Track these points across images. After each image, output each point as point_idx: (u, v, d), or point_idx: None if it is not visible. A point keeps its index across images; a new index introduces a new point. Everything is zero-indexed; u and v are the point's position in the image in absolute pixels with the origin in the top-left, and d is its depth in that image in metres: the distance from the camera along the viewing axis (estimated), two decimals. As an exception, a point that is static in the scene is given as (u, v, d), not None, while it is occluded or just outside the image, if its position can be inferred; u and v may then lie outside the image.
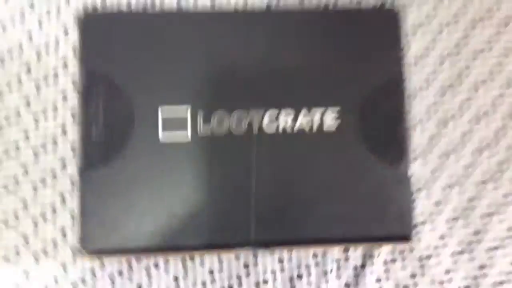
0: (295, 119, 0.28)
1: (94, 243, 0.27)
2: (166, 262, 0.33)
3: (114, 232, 0.27)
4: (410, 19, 0.36)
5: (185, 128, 0.28)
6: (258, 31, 0.29)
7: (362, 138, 0.28)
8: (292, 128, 0.28)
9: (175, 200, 0.27)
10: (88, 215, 0.27)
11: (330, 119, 0.28)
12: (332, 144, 0.28)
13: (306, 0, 0.35)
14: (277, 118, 0.28)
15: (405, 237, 0.28)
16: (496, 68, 0.37)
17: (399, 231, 0.28)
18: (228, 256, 0.34)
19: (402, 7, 0.35)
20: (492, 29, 0.37)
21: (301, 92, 0.28)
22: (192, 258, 0.33)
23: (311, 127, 0.28)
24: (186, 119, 0.28)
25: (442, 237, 0.35)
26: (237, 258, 0.34)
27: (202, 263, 0.34)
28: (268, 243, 0.28)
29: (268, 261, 0.34)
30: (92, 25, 0.28)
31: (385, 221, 0.28)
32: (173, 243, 0.27)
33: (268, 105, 0.28)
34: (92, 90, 0.27)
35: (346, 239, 0.29)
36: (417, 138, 0.36)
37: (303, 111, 0.28)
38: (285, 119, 0.28)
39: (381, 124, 0.28)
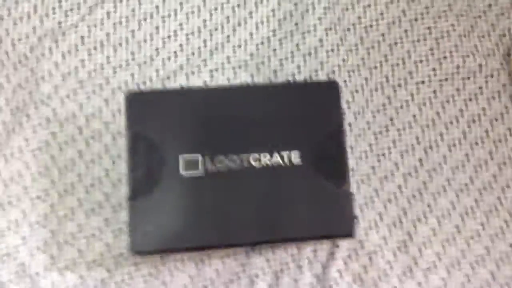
0: (270, 158, 0.42)
1: (139, 247, 0.39)
2: (183, 265, 0.46)
3: (153, 239, 0.39)
4: (348, 88, 0.50)
5: (198, 168, 0.41)
6: (242, 101, 0.43)
7: (317, 169, 0.42)
8: (270, 163, 0.42)
9: (193, 214, 0.40)
10: (134, 228, 0.40)
11: (294, 158, 0.42)
12: (297, 174, 0.41)
13: (278, 75, 0.50)
14: (258, 159, 0.42)
15: (349, 234, 0.41)
16: (413, 118, 0.50)
17: (346, 230, 0.41)
18: (228, 259, 0.46)
19: (342, 80, 0.50)
20: (409, 90, 0.51)
21: (273, 141, 0.42)
22: (207, 255, 0.45)
23: (283, 162, 0.42)
24: (198, 162, 0.41)
25: (384, 238, 0.48)
26: (235, 259, 0.46)
27: (209, 264, 0.46)
28: (258, 242, 0.41)
29: (258, 260, 0.46)
30: (134, 100, 0.42)
31: (335, 224, 0.41)
32: (193, 245, 0.40)
33: (251, 151, 0.42)
34: (135, 145, 0.41)
35: (311, 237, 0.42)
36: (363, 167, 0.49)
37: (275, 154, 0.42)
38: (264, 159, 0.42)
39: (330, 159, 0.42)
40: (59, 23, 0.50)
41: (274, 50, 0.51)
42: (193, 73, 0.50)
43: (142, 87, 0.49)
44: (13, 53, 0.49)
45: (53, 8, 0.50)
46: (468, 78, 0.51)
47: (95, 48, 0.50)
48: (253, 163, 0.42)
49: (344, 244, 0.47)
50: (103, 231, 0.46)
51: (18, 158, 0.47)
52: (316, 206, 0.41)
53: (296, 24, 0.51)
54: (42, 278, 0.44)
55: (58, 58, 0.49)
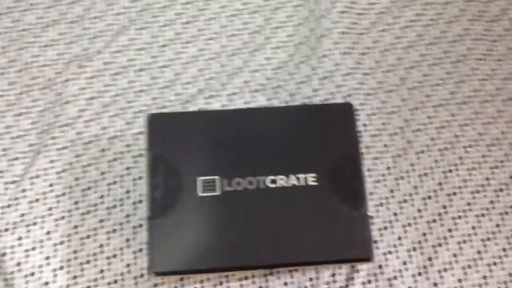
0: (287, 180, 0.42)
1: (159, 267, 0.40)
2: (202, 287, 0.46)
3: (172, 259, 0.40)
4: (365, 111, 0.51)
5: (215, 189, 0.42)
6: (259, 124, 0.43)
7: (334, 191, 0.42)
8: (286, 183, 0.42)
9: (211, 235, 0.41)
10: (154, 248, 0.40)
11: (310, 180, 0.42)
12: (313, 195, 0.42)
13: (295, 98, 0.51)
14: (275, 181, 0.42)
15: (368, 259, 0.41)
16: (432, 141, 0.50)
17: (364, 254, 0.41)
18: (246, 281, 0.46)
19: (359, 103, 0.50)
20: (426, 113, 0.51)
21: (290, 163, 0.42)
22: (226, 277, 0.45)
23: (299, 184, 0.42)
24: (215, 183, 0.42)
25: (404, 263, 0.47)
26: (253, 282, 0.46)
27: (228, 287, 0.46)
28: (274, 265, 0.41)
29: (276, 284, 0.46)
30: (155, 122, 0.43)
31: (353, 247, 0.41)
32: (210, 266, 0.40)
33: (268, 173, 0.42)
34: (155, 166, 0.42)
35: (329, 261, 0.42)
36: (381, 190, 0.49)
37: (291, 176, 0.42)
38: (281, 181, 0.42)
39: (346, 181, 0.42)
40: (85, 49, 0.52)
41: (291, 74, 0.52)
42: (212, 97, 0.51)
43: (163, 110, 0.51)
44: (40, 78, 0.51)
45: (79, 35, 0.52)
46: (486, 101, 0.51)
47: (118, 73, 0.52)
48: (269, 185, 0.42)
49: (364, 269, 0.47)
50: (124, 251, 0.47)
51: (43, 179, 0.48)
52: (333, 229, 0.41)
53: (313, 48, 0.52)
54: (63, 298, 0.45)
55: (83, 83, 0.51)
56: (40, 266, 0.46)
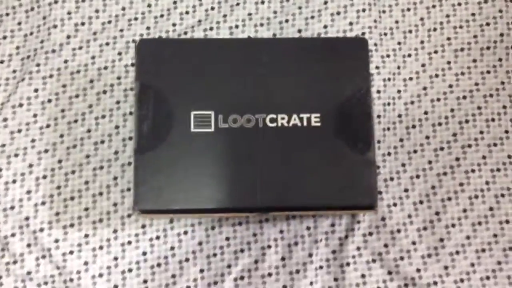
0: (288, 120, 0.38)
1: (144, 205, 0.37)
2: (193, 230, 0.43)
3: (158, 197, 0.37)
4: (379, 52, 0.46)
5: (210, 125, 0.38)
6: (264, 56, 0.39)
7: (338, 133, 0.38)
8: (288, 123, 0.38)
9: (202, 174, 0.37)
10: (139, 185, 0.37)
11: (314, 120, 0.38)
12: (316, 137, 0.38)
13: (303, 35, 0.46)
14: (275, 120, 0.39)
15: (371, 207, 0.38)
16: (449, 88, 0.46)
17: (367, 202, 0.38)
18: (240, 227, 0.43)
19: (373, 43, 0.46)
20: (446, 58, 0.47)
21: (293, 102, 0.38)
22: (218, 221, 0.43)
23: (301, 124, 0.38)
24: (210, 119, 0.38)
25: (409, 216, 0.44)
26: (247, 228, 0.43)
27: (220, 232, 0.43)
28: (270, 208, 0.38)
29: (271, 231, 0.44)
30: (145, 49, 0.39)
31: (356, 194, 0.37)
32: (201, 207, 0.37)
33: (268, 112, 0.39)
34: (144, 97, 0.38)
35: (328, 207, 0.39)
36: (390, 139, 0.45)
37: (294, 116, 0.38)
38: (282, 120, 0.39)
39: (353, 123, 0.38)
40: (74, -31, 0.47)
41: (300, 7, 0.47)
42: (211, 29, 0.47)
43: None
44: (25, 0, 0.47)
45: (68, -48, 0.48)
46: (511, 47, 0.47)
47: (110, -2, 0.47)
48: (269, 124, 0.38)
49: (365, 220, 0.44)
50: (111, 189, 0.44)
51: (26, 109, 0.45)
52: (336, 174, 0.38)
53: (326, -21, 0.48)
54: (45, 235, 0.43)
55: (71, 7, 0.47)
56: (21, 200, 0.43)
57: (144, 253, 0.43)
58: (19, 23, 0.46)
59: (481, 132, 0.45)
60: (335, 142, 0.38)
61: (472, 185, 0.44)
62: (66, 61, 0.46)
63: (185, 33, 0.47)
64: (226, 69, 0.39)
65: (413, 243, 0.43)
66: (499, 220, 0.43)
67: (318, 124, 0.38)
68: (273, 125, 0.39)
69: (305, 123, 0.38)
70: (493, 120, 0.45)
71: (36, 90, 0.45)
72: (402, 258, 0.43)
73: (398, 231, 0.44)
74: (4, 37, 0.46)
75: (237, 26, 0.47)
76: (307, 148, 0.38)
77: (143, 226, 0.43)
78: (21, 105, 0.45)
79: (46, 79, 0.45)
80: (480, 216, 0.44)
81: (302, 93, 0.39)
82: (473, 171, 0.45)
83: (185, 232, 0.43)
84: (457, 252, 0.43)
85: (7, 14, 0.47)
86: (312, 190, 0.38)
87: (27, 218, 0.43)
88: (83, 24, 0.47)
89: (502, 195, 0.44)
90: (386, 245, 0.43)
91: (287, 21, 0.47)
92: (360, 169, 0.38)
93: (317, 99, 0.39)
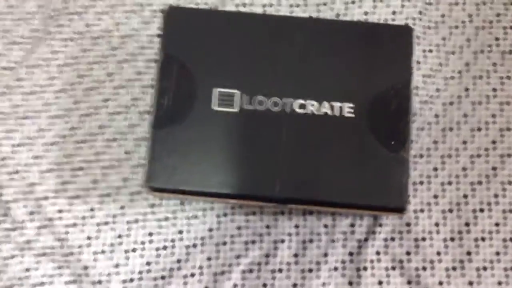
0: (318, 108, 0.36)
1: (156, 182, 0.35)
2: (204, 215, 0.41)
3: (172, 176, 0.34)
4: (421, 46, 0.43)
5: (233, 105, 0.36)
6: (298, 36, 0.36)
7: (372, 127, 0.35)
8: (318, 111, 0.35)
9: (221, 156, 0.35)
10: (154, 162, 0.35)
11: (346, 110, 0.35)
12: (347, 128, 0.35)
13: (341, 17, 0.43)
14: (304, 106, 0.36)
15: (400, 209, 0.35)
16: (493, 92, 0.43)
17: (397, 204, 0.35)
18: (253, 217, 0.41)
19: (416, 36, 0.42)
20: (492, 59, 0.43)
21: (325, 88, 0.36)
22: (231, 209, 0.40)
23: (332, 113, 0.35)
24: (234, 99, 0.36)
25: (436, 225, 0.41)
26: (261, 219, 0.41)
27: (232, 220, 0.41)
28: (288, 200, 0.36)
29: (286, 224, 0.41)
30: (173, 18, 0.36)
31: (385, 194, 0.35)
32: (215, 190, 0.35)
33: (297, 96, 0.36)
34: (167, 68, 0.36)
35: (352, 205, 0.36)
36: (424, 140, 0.42)
37: (325, 103, 0.35)
38: (311, 107, 0.36)
39: (388, 117, 0.35)
40: None
41: (341, -10, 0.44)
42: (244, 5, 0.44)
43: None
44: (51, -46, 0.45)
45: None
46: None
47: (141, -38, 0.45)
48: (296, 109, 0.36)
49: (388, 224, 0.41)
50: (122, 163, 0.41)
51: (42, 70, 0.43)
52: (364, 170, 0.35)
53: (372, -39, 0.44)
54: (49, 204, 0.40)
55: (99, -32, 0.44)
56: (27, 165, 0.41)
57: (151, 234, 0.40)
58: (44, -19, 0.44)
59: (524, 142, 0.42)
60: (367, 136, 0.35)
61: (507, 198, 0.41)
62: (88, 25, 0.43)
63: (216, 7, 0.44)
64: (256, 46, 0.37)
65: (438, 253, 0.40)
66: (533, 238, 0.40)
67: (351, 115, 0.35)
68: (302, 111, 0.36)
69: (336, 113, 0.36)
70: (538, 130, 0.42)
71: (54, 52, 0.43)
72: (424, 269, 0.40)
73: (423, 239, 0.41)
74: (27, -6, 0.44)
75: (271, 5, 0.44)
76: (336, 139, 0.35)
77: (152, 206, 0.41)
78: (38, 65, 0.43)
79: (66, 41, 0.43)
80: (513, 232, 0.41)
81: (336, 80, 0.36)
82: (510, 183, 0.41)
83: (195, 216, 0.41)
84: (485, 268, 0.40)
85: (32, -29, 0.44)
86: (336, 185, 0.35)
87: (31, 185, 0.41)
88: (110, -13, 0.44)
89: (540, 212, 0.41)
90: (408, 253, 0.40)
91: (325, 4, 0.44)
92: (392, 168, 0.35)
93: (352, 88, 0.36)
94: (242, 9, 0.44)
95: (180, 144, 0.35)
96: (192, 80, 0.36)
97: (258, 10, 0.44)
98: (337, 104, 0.36)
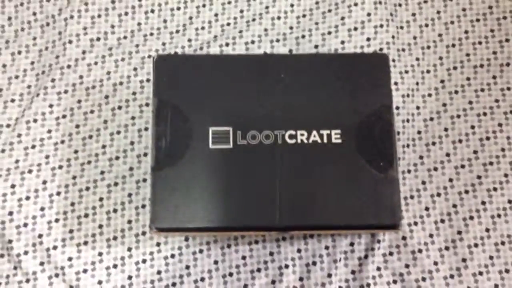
0: (308, 137, 0.38)
1: (161, 223, 0.36)
2: (208, 249, 0.42)
3: (175, 216, 0.36)
4: (397, 68, 0.46)
5: (228, 142, 0.38)
6: (281, 71, 0.39)
7: (360, 151, 0.37)
8: (307, 140, 0.38)
9: (220, 191, 0.36)
10: (156, 203, 0.36)
11: (335, 137, 0.37)
12: (336, 154, 0.37)
13: (320, 50, 0.46)
14: (295, 136, 0.38)
15: (394, 226, 0.37)
16: (469, 105, 0.45)
17: (391, 221, 0.36)
18: (256, 245, 0.42)
19: (391, 59, 0.45)
20: (466, 74, 0.46)
21: (313, 118, 0.38)
22: (234, 240, 0.42)
23: (321, 141, 0.37)
24: (228, 136, 0.38)
25: (430, 236, 0.43)
26: (264, 247, 0.42)
27: (236, 250, 0.42)
28: (289, 227, 0.37)
29: (288, 250, 0.42)
30: (162, 65, 0.38)
31: (379, 213, 0.36)
32: (218, 225, 0.36)
33: (287, 128, 0.38)
34: (161, 113, 0.38)
35: (350, 227, 0.38)
36: (410, 156, 0.45)
37: (314, 132, 0.38)
38: (302, 137, 0.38)
39: (375, 140, 0.37)
40: (91, -16, 0.47)
41: (317, 23, 0.47)
42: (227, 44, 0.46)
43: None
44: (40, 14, 0.47)
45: (85, -32, 0.48)
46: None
47: (126, 13, 0.47)
48: (288, 140, 0.38)
49: (385, 239, 0.42)
50: (125, 206, 0.43)
51: (40, 124, 0.44)
52: (357, 193, 0.37)
53: (344, -6, 0.47)
54: (58, 253, 0.42)
55: (87, 22, 0.46)
56: (34, 217, 0.42)
57: (159, 272, 0.42)
58: (34, 38, 0.46)
59: (503, 150, 0.44)
60: (356, 160, 0.37)
61: (494, 204, 0.43)
62: (81, 77, 0.45)
63: (201, 48, 0.46)
64: (243, 85, 0.39)
65: (435, 263, 0.42)
66: (523, 240, 0.42)
67: (339, 141, 0.37)
68: (293, 141, 0.38)
69: (325, 140, 0.38)
70: (515, 137, 0.44)
71: (51, 106, 0.45)
72: (424, 279, 0.42)
73: (420, 251, 0.42)
74: (19, 52, 0.46)
75: (253, 42, 0.47)
76: (328, 165, 0.37)
77: (158, 244, 0.42)
78: (35, 120, 0.44)
79: (61, 94, 0.45)
80: (503, 236, 0.43)
81: (322, 109, 0.38)
82: (495, 189, 0.44)
83: (201, 251, 0.42)
84: (480, 273, 0.42)
85: (23, 29, 0.46)
86: (333, 209, 0.37)
87: (40, 236, 0.42)
88: (98, 39, 0.46)
89: (526, 214, 0.43)
90: (407, 265, 0.42)
91: (303, 36, 0.47)
92: (383, 188, 0.37)
93: (338, 116, 0.38)
94: (226, 48, 0.46)
95: (180, 183, 0.37)
96: (187, 122, 0.38)
97: (242, 47, 0.46)
98: (325, 132, 0.38)
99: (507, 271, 0.42)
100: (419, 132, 0.45)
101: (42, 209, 0.43)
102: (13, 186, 0.43)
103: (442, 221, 0.43)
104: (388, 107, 0.38)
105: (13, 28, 0.46)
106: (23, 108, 0.45)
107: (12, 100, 0.45)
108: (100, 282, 0.41)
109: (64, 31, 0.46)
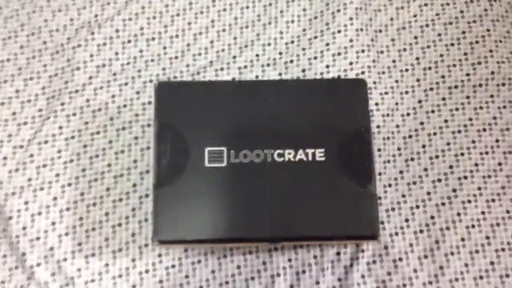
0: (295, 155, 0.42)
1: (163, 236, 0.40)
2: (206, 259, 0.46)
3: (176, 229, 0.40)
4: (378, 90, 0.50)
5: (222, 160, 0.42)
6: (270, 96, 0.43)
7: (341, 167, 0.41)
8: (294, 158, 0.41)
9: (216, 206, 0.40)
10: (158, 217, 0.40)
11: (319, 155, 0.41)
12: (321, 171, 0.41)
13: (307, 74, 0.50)
14: (283, 155, 0.42)
15: (373, 237, 0.40)
16: (445, 123, 0.49)
17: (370, 232, 0.40)
18: (250, 256, 0.46)
19: (372, 81, 0.49)
20: (441, 94, 0.50)
21: (299, 138, 0.42)
22: (230, 250, 0.45)
23: (307, 159, 0.41)
24: (223, 155, 0.42)
25: (410, 245, 0.47)
26: (257, 257, 0.46)
27: (231, 260, 0.46)
28: (279, 238, 0.41)
29: (280, 259, 0.46)
30: (163, 91, 0.43)
31: (359, 225, 0.40)
32: (215, 237, 0.40)
33: (276, 147, 0.42)
34: (162, 135, 0.42)
35: (333, 237, 0.41)
36: (390, 171, 0.48)
37: (300, 151, 0.41)
38: (289, 155, 0.42)
39: (355, 158, 0.41)
40: (96, 15, 0.52)
41: (304, 49, 0.51)
42: (222, 69, 0.50)
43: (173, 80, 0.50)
44: (50, 43, 0.51)
45: (91, 1, 0.52)
46: (503, 84, 0.50)
47: (129, 41, 0.51)
48: (276, 158, 0.41)
49: (369, 249, 0.46)
50: (129, 220, 0.47)
51: (51, 145, 0.48)
52: (340, 206, 0.41)
53: (327, 23, 0.51)
54: (68, 264, 0.45)
55: (93, 50, 0.51)
56: (46, 231, 0.46)
57: (161, 281, 0.45)
58: (45, 65, 0.50)
59: (476, 165, 0.48)
60: (339, 176, 0.41)
61: (469, 215, 0.47)
62: (88, 100, 0.49)
63: (198, 73, 0.50)
64: (236, 108, 0.43)
65: (415, 270, 0.46)
66: (495, 248, 0.46)
67: (323, 158, 0.41)
68: (281, 159, 0.42)
69: (310, 158, 0.42)
70: (486, 153, 0.48)
71: (60, 128, 0.49)
72: (404, 285, 0.45)
73: (400, 259, 0.46)
74: (31, 78, 0.50)
75: (245, 67, 0.51)
76: (313, 181, 0.41)
77: (160, 255, 0.46)
78: (46, 141, 0.48)
79: (69, 117, 0.49)
80: (477, 245, 0.46)
81: (307, 130, 0.42)
82: (469, 201, 0.47)
83: (199, 261, 0.46)
84: (456, 279, 0.46)
85: (34, 57, 0.50)
86: (317, 222, 0.40)
87: (51, 248, 0.46)
88: (104, 65, 0.50)
89: (498, 224, 0.46)
90: (389, 273, 0.46)
91: (291, 61, 0.51)
92: (362, 202, 0.41)
93: (321, 136, 0.42)
94: (221, 72, 0.50)
95: (179, 199, 0.41)
96: (185, 142, 0.42)
97: (235, 72, 0.50)
98: (310, 151, 0.42)
99: (481, 277, 0.45)
100: (399, 149, 0.49)
101: (53, 223, 0.46)
102: (26, 202, 0.46)
103: (421, 231, 0.47)
104: (367, 128, 0.42)
105: (25, 56, 0.50)
106: (35, 130, 0.49)
107: (25, 123, 0.49)
108: (106, 290, 0.45)
109: (72, 59, 0.50)
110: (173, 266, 0.46)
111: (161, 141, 0.41)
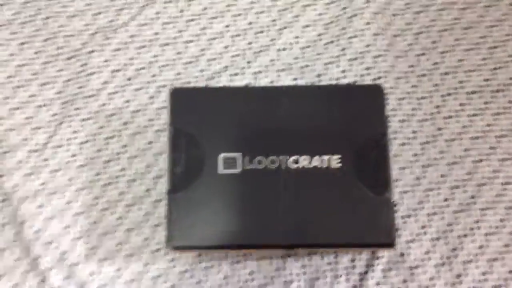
0: (310, 162, 0.41)
1: (177, 242, 0.39)
2: (219, 264, 0.46)
3: (190, 235, 0.39)
4: (395, 95, 0.49)
5: (236, 166, 0.41)
6: (284, 101, 0.42)
7: (357, 175, 0.40)
8: (309, 164, 0.41)
9: (230, 212, 0.40)
10: (172, 223, 0.40)
11: (334, 162, 0.41)
12: (336, 178, 0.40)
13: (322, 79, 0.50)
14: (297, 161, 0.41)
15: (390, 244, 0.40)
16: (463, 129, 0.48)
17: (386, 239, 0.40)
18: (264, 262, 0.46)
19: (389, 86, 0.48)
20: (459, 100, 0.49)
21: (314, 144, 0.41)
22: (243, 256, 0.45)
23: (322, 165, 0.41)
24: (237, 161, 0.41)
25: (427, 252, 0.46)
26: (271, 263, 0.46)
27: (245, 266, 0.46)
28: (293, 245, 0.40)
29: (293, 266, 0.46)
30: (178, 96, 0.42)
31: (375, 232, 0.40)
32: (229, 243, 0.40)
33: (291, 153, 0.41)
34: (177, 140, 0.41)
35: (349, 245, 0.41)
36: (407, 178, 0.48)
37: (315, 157, 0.41)
38: (304, 162, 0.41)
39: (371, 165, 0.41)
40: (111, 21, 0.52)
41: (319, 54, 0.50)
42: (236, 74, 0.50)
43: (187, 86, 0.50)
44: (66, 48, 0.51)
45: (106, 7, 0.52)
46: (525, 89, 0.49)
47: (143, 47, 0.51)
48: (291, 165, 0.41)
49: (384, 256, 0.45)
50: (142, 225, 0.47)
51: (65, 149, 0.48)
52: (356, 213, 0.40)
53: (343, 28, 0.51)
54: (81, 268, 0.45)
55: (108, 55, 0.51)
56: (59, 235, 0.46)
57: (173, 286, 0.45)
58: (60, 70, 0.51)
59: (495, 171, 0.47)
60: (355, 183, 0.40)
61: (487, 222, 0.46)
62: (102, 105, 0.50)
63: (212, 78, 0.50)
64: (251, 114, 0.42)
65: (431, 279, 0.45)
66: (515, 257, 0.45)
67: (339, 165, 0.41)
68: (296, 165, 0.41)
69: (325, 164, 0.41)
70: (506, 159, 0.47)
71: (75, 132, 0.49)
72: (420, 294, 0.45)
73: (417, 267, 0.45)
74: (46, 83, 0.50)
75: (260, 72, 0.50)
76: (328, 188, 0.41)
77: (172, 260, 0.46)
78: (60, 146, 0.48)
79: (84, 121, 0.49)
80: (496, 252, 0.45)
81: (323, 136, 0.42)
82: (488, 208, 0.46)
83: (212, 266, 0.46)
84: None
85: (49, 62, 0.51)
86: (333, 229, 0.40)
87: (64, 252, 0.46)
88: (118, 71, 0.50)
89: (517, 233, 0.45)
90: (405, 281, 0.45)
91: (307, 66, 0.50)
92: (379, 209, 0.40)
93: (337, 142, 0.41)
94: (235, 77, 0.50)
95: (193, 205, 0.40)
96: (200, 149, 0.41)
97: (250, 77, 0.50)
98: (325, 157, 0.41)
99: (500, 286, 0.44)
100: (415, 155, 0.48)
101: (66, 227, 0.46)
102: (39, 206, 0.47)
103: (438, 238, 0.46)
104: (383, 134, 0.41)
105: (41, 61, 0.51)
106: (49, 134, 0.49)
107: (40, 128, 0.49)
108: (119, 296, 0.45)
109: (87, 64, 0.50)
110: (186, 271, 0.45)
111: (175, 147, 0.41)
